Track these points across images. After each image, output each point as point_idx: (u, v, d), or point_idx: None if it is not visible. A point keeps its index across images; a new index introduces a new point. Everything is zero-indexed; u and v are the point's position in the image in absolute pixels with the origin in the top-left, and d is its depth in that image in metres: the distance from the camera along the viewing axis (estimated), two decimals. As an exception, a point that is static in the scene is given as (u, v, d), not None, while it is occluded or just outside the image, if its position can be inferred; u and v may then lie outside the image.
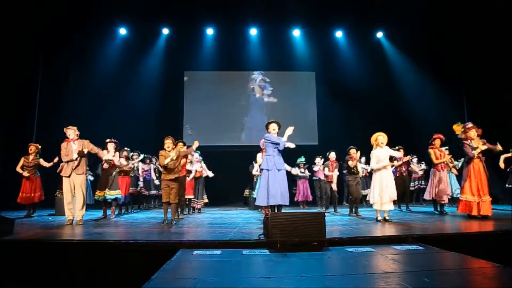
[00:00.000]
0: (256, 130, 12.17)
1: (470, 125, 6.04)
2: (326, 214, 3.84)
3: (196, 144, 5.88)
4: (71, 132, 5.84)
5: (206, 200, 8.59)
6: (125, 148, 7.65)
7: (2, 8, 8.28)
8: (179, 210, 6.75)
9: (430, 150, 6.92)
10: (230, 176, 10.42)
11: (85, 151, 5.75)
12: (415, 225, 5.20)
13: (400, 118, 11.60)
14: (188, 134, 11.91)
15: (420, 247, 3.52)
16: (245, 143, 11.92)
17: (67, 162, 5.68)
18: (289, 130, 5.17)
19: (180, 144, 6.73)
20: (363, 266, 2.84)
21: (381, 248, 3.51)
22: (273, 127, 5.35)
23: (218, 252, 3.43)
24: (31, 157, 7.16)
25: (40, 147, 7.39)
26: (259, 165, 7.20)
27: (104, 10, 10.37)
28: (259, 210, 8.12)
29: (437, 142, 6.92)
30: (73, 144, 5.75)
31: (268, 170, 5.12)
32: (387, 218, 5.58)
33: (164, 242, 3.93)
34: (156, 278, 2.50)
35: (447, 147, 7.48)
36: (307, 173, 9.55)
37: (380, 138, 5.80)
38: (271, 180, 5.05)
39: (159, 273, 2.64)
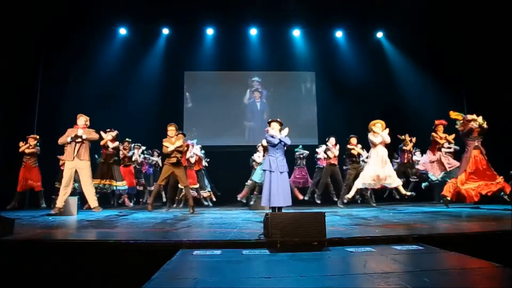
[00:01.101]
0: (256, 130, 12.17)
1: (469, 117, 6.05)
2: (326, 214, 3.84)
3: None
4: (83, 119, 5.84)
5: (207, 193, 8.57)
6: (127, 139, 7.67)
7: (2, 8, 8.28)
8: (177, 203, 6.73)
9: (433, 134, 6.99)
10: (231, 176, 10.42)
11: (84, 136, 5.69)
12: (415, 225, 5.20)
13: (400, 118, 11.58)
14: (189, 134, 11.92)
15: (420, 247, 3.52)
16: (245, 143, 11.91)
17: (65, 143, 5.64)
18: (285, 131, 5.24)
19: (181, 135, 6.73)
20: (363, 266, 2.83)
21: (381, 248, 3.51)
22: (273, 126, 5.39)
23: (218, 252, 3.43)
24: (31, 146, 7.20)
25: (38, 137, 7.44)
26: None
27: (104, 10, 10.38)
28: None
29: (440, 129, 6.99)
30: (80, 130, 5.74)
31: (270, 171, 5.13)
32: (406, 193, 5.57)
33: (164, 242, 3.92)
34: (156, 278, 2.50)
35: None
36: (305, 152, 9.55)
37: (377, 125, 5.84)
38: (273, 182, 5.10)
39: (159, 273, 2.63)
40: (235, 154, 11.28)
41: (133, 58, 11.68)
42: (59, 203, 5.53)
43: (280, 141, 5.23)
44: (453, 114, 6.28)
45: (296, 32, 12.15)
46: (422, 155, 9.38)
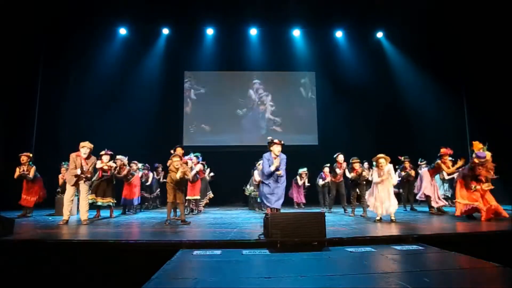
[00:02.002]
0: (256, 130, 12.18)
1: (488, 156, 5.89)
2: (326, 214, 3.85)
3: None
4: (87, 150, 5.91)
5: (206, 201, 8.57)
6: (124, 161, 7.61)
7: (2, 8, 8.28)
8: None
9: (440, 162, 6.96)
10: (230, 176, 10.43)
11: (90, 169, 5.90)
12: (415, 225, 5.21)
13: (401, 118, 11.61)
14: (189, 134, 11.94)
15: (420, 247, 3.53)
16: (245, 143, 11.91)
17: (73, 175, 5.74)
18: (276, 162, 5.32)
19: (179, 149, 6.69)
20: (363, 266, 2.84)
21: (381, 248, 3.51)
22: (277, 149, 5.35)
23: (218, 252, 3.43)
24: (24, 167, 7.17)
25: (31, 155, 7.38)
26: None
27: (104, 10, 10.37)
28: (260, 209, 8.13)
29: (446, 158, 6.96)
30: (83, 161, 5.82)
31: (272, 181, 5.38)
32: (393, 219, 5.59)
33: (164, 242, 3.92)
34: (156, 278, 2.50)
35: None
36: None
37: (381, 161, 5.78)
38: (276, 188, 5.35)
39: (159, 273, 2.64)
40: (234, 154, 11.28)
41: (133, 58, 11.67)
42: (65, 215, 5.72)
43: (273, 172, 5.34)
44: (477, 146, 6.12)
45: (296, 32, 12.15)
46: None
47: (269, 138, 5.63)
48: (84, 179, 5.82)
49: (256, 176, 7.92)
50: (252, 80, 12.60)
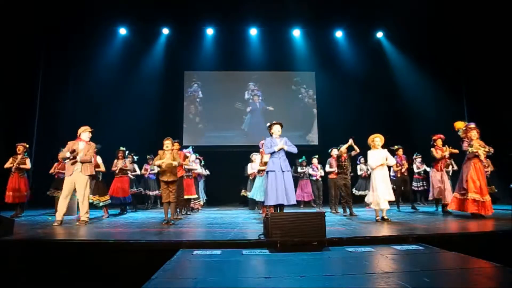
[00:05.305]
0: (256, 130, 12.16)
1: (472, 125, 6.04)
2: (326, 214, 3.84)
3: None
4: (87, 135, 5.82)
5: (201, 203, 8.56)
6: (121, 148, 7.61)
7: (2, 8, 8.28)
8: (178, 210, 6.78)
9: (432, 149, 6.99)
10: (230, 176, 10.42)
11: (78, 158, 5.64)
12: (415, 225, 5.20)
13: (401, 118, 11.61)
14: (189, 133, 11.93)
15: (420, 247, 3.52)
16: (244, 143, 11.91)
17: (63, 159, 5.66)
18: (280, 146, 5.21)
19: (176, 144, 6.73)
20: (363, 266, 2.83)
21: (381, 248, 3.51)
22: (277, 129, 5.31)
23: (218, 252, 3.43)
24: (19, 156, 7.13)
25: (27, 146, 7.33)
26: (260, 165, 7.20)
27: (104, 10, 10.37)
28: (258, 209, 8.13)
29: (439, 142, 6.99)
30: (80, 143, 5.74)
31: (274, 171, 5.16)
32: (385, 217, 5.60)
33: (164, 242, 3.92)
34: (156, 278, 2.50)
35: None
36: (310, 171, 9.48)
37: (376, 140, 5.81)
38: (278, 181, 5.10)
39: (159, 273, 2.63)
40: (234, 154, 11.28)
41: (133, 58, 11.66)
42: (59, 216, 5.54)
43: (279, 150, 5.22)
44: (458, 124, 6.23)
45: (296, 32, 12.15)
46: (422, 162, 9.27)
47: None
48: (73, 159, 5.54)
49: (249, 169, 7.89)
50: (251, 80, 12.60)
